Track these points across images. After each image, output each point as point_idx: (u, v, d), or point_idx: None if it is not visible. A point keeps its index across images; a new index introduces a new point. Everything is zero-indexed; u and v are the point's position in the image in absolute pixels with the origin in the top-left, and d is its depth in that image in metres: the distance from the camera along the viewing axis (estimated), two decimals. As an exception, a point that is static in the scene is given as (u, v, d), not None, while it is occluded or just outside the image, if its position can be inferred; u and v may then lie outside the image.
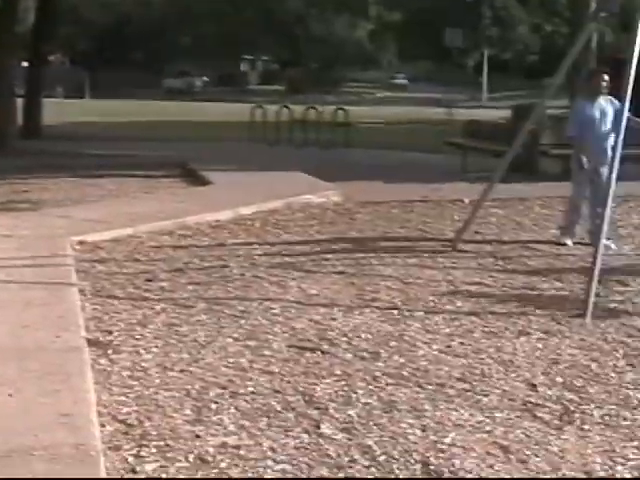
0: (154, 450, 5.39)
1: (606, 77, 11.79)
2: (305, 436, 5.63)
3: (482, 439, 5.63)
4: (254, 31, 74.15)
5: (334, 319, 8.24)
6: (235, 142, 25.65)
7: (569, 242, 11.92)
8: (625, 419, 6.05)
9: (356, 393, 6.36)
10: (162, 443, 5.48)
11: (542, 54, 65.56)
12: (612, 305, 8.97)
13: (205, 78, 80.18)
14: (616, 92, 10.72)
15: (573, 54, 11.38)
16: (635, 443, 5.65)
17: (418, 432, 5.71)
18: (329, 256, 10.96)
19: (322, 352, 7.28)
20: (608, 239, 10.87)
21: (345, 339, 7.64)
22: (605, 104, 11.72)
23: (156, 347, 7.36)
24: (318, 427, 5.75)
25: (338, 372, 6.81)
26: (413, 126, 36.76)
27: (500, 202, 14.31)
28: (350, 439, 5.59)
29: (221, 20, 71.89)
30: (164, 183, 17.43)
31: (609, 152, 11.04)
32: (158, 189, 16.55)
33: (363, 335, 7.76)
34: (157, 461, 5.25)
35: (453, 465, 5.26)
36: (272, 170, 18.15)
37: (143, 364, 6.93)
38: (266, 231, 12.51)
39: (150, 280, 9.62)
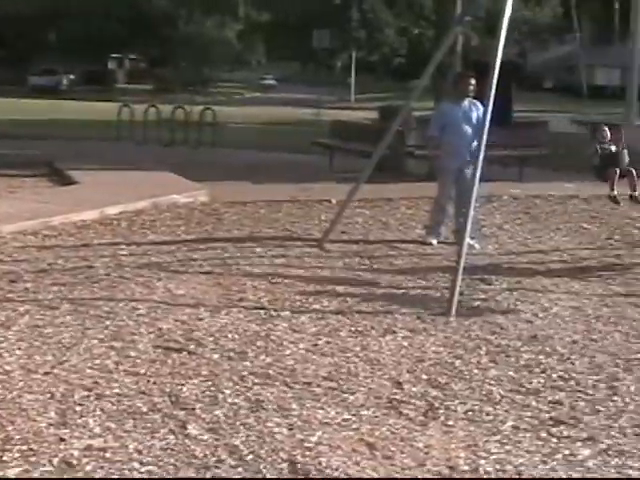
0: (17, 455, 5.27)
1: (473, 80, 11.99)
2: (171, 437, 5.58)
3: (348, 437, 5.67)
4: (122, 29, 73.18)
5: (201, 319, 8.19)
6: (102, 141, 25.28)
7: (434, 242, 12.09)
8: (488, 414, 6.17)
9: (223, 393, 6.34)
10: (25, 447, 5.37)
11: (409, 56, 66.52)
12: (476, 303, 9.14)
13: (71, 76, 78.78)
14: (481, 95, 10.92)
15: (438, 57, 11.59)
16: (497, 437, 5.77)
17: (285, 431, 5.72)
18: (196, 256, 10.90)
19: (189, 353, 7.23)
20: (472, 238, 11.10)
21: (212, 339, 7.60)
22: (469, 107, 11.92)
23: (19, 349, 7.20)
24: (185, 428, 5.71)
25: (205, 372, 6.77)
26: (282, 127, 36.83)
27: (367, 202, 14.45)
28: (217, 439, 5.56)
29: (88, 18, 70.77)
30: (29, 182, 17.09)
31: (473, 153, 11.27)
32: (23, 188, 16.22)
33: (230, 335, 7.74)
34: (20, 466, 5.14)
35: (320, 463, 5.28)
36: (139, 170, 17.95)
37: (6, 367, 6.78)
38: (132, 231, 12.37)
39: (14, 281, 9.41)
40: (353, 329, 8.07)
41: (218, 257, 10.88)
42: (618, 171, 11.52)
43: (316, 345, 7.56)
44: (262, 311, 8.54)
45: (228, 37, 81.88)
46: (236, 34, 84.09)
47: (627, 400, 6.56)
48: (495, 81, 9.62)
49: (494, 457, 5.46)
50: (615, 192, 11.74)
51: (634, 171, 11.63)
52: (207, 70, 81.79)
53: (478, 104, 11.62)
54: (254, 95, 79.55)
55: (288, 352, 7.34)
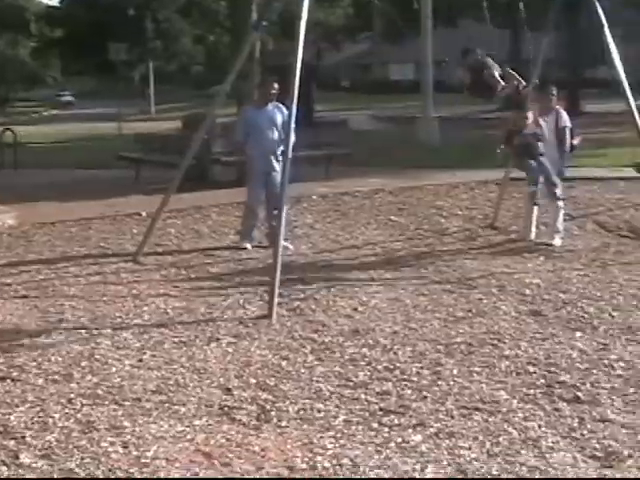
0: None
1: (275, 85, 12.10)
2: (4, 468, 5.42)
3: (184, 448, 5.65)
4: None
5: (21, 345, 7.98)
6: None
7: (249, 246, 12.15)
8: (319, 411, 6.25)
9: (52, 417, 6.20)
10: None
11: (207, 64, 66.49)
12: (296, 303, 9.22)
13: None
14: (283, 98, 11.02)
15: (239, 63, 11.62)
16: (331, 433, 5.86)
17: (120, 449, 5.64)
18: (9, 281, 10.59)
19: (12, 380, 7.04)
20: (286, 240, 11.21)
21: (35, 364, 7.42)
22: (274, 111, 12.02)
23: None
24: (17, 457, 5.56)
25: (31, 398, 6.60)
26: (84, 143, 36.17)
27: (177, 212, 14.38)
28: (51, 465, 5.44)
29: None
30: None
31: (280, 156, 11.40)
32: None
33: (53, 358, 7.57)
34: None
35: (158, 478, 5.24)
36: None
37: None
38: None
39: None
40: (177, 340, 8.03)
41: (32, 280, 10.62)
42: None
43: (141, 360, 7.49)
44: (83, 331, 8.39)
45: (21, 55, 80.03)
46: (30, 52, 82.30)
47: (451, 383, 6.76)
48: (297, 84, 9.72)
49: (330, 452, 5.54)
50: None
51: None
52: (3, 90, 79.65)
53: (282, 107, 11.74)
54: (52, 113, 77.91)
55: (114, 370, 7.24)
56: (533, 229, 12.39)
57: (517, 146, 11.95)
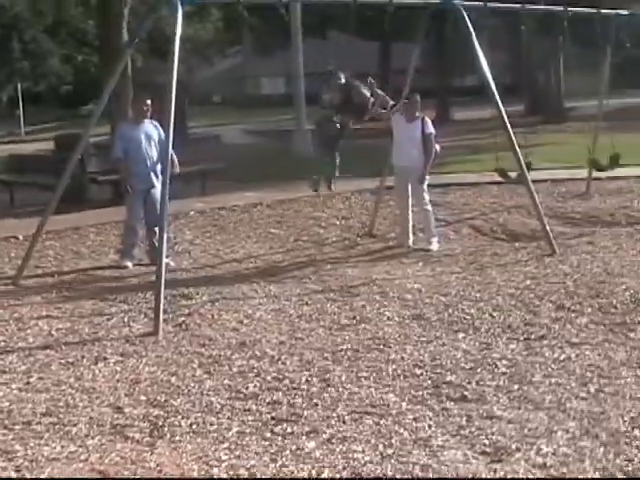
0: None
1: (149, 102, 12.05)
2: None
3: (79, 468, 5.61)
4: None
5: None
6: None
7: (130, 264, 12.06)
8: (212, 424, 6.28)
9: (-61, 446, 6.08)
10: None
11: (76, 84, 65.61)
12: (181, 319, 9.21)
13: None
14: (158, 115, 11.00)
15: (113, 82, 11.55)
16: (225, 445, 5.89)
17: (13, 474, 5.57)
18: None
19: None
20: (167, 256, 11.17)
21: None
22: (149, 128, 11.98)
23: None
24: None
25: None
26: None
27: (55, 234, 14.17)
28: (-59, 494, 5.35)
29: None
30: None
31: (158, 174, 11.37)
32: None
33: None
34: None
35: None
36: None
37: None
38: None
39: None
40: (64, 361, 7.94)
41: None
42: None
43: (29, 383, 7.39)
44: (-34, 357, 8.23)
45: None
46: None
47: (340, 389, 6.86)
48: (173, 100, 9.69)
49: (225, 464, 5.58)
50: None
51: None
52: None
53: (157, 125, 11.73)
54: None
55: (1, 394, 7.12)
56: (410, 235, 12.60)
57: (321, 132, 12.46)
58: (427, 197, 12.45)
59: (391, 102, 12.44)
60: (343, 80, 12.05)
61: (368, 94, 12.13)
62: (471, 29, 12.11)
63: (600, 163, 15.50)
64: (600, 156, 15.54)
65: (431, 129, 12.41)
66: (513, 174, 12.98)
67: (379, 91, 12.30)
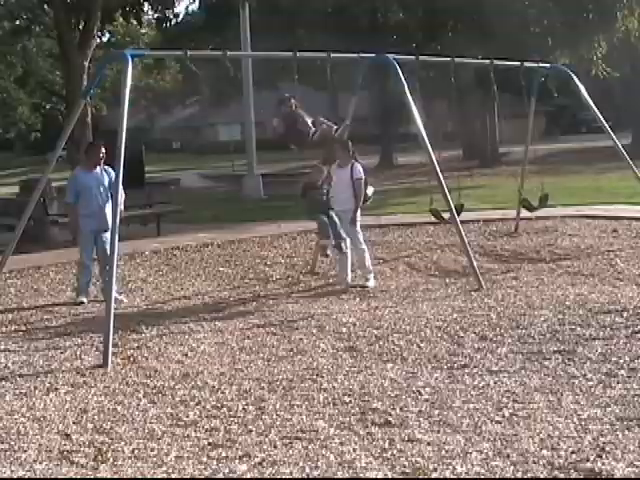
0: None
1: (102, 149, 12.14)
2: None
3: (23, 492, 5.63)
4: None
5: None
6: None
7: (85, 300, 12.09)
8: (152, 450, 6.32)
9: None
10: None
11: (44, 131, 65.70)
12: (130, 352, 9.23)
13: None
14: (112, 161, 11.09)
15: (69, 129, 11.64)
16: (163, 468, 5.95)
17: (-39, 497, 5.59)
18: None
19: None
20: (120, 293, 11.24)
21: None
22: (102, 173, 12.07)
23: None
24: None
25: None
26: None
27: (17, 272, 14.17)
28: None
29: None
30: None
31: (109, 216, 11.42)
32: None
33: None
34: None
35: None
36: None
37: None
38: None
39: None
40: (17, 392, 7.95)
41: None
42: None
43: (-18, 413, 7.39)
44: None
45: None
46: None
47: (274, 417, 6.93)
48: (123, 147, 9.78)
49: (163, 485, 5.63)
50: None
51: None
52: None
53: (110, 170, 11.84)
54: None
55: (-45, 424, 7.13)
56: (349, 273, 12.70)
57: (310, 201, 12.40)
58: (361, 237, 12.56)
59: (334, 127, 12.65)
60: (294, 107, 12.29)
61: (310, 123, 12.37)
62: (404, 82, 12.30)
63: (531, 203, 15.73)
64: (531, 197, 15.77)
65: (360, 174, 12.44)
66: (446, 215, 13.15)
67: (324, 120, 12.51)
